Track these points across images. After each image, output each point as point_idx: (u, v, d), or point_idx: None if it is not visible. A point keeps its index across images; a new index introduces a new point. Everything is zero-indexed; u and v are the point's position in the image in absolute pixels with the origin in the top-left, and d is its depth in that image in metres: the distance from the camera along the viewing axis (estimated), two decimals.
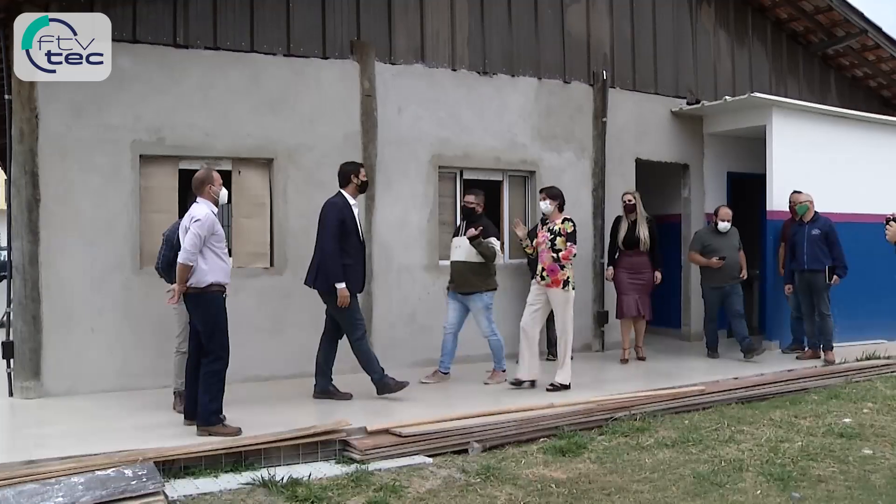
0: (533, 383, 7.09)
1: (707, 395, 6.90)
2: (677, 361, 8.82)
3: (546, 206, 7.13)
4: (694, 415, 6.52)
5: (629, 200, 8.78)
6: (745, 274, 8.97)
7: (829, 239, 8.59)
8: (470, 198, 7.45)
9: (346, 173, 6.77)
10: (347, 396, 6.68)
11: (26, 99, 6.63)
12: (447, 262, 7.68)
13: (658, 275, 8.69)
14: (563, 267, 6.91)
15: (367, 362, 6.67)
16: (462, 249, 7.27)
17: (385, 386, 6.62)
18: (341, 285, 6.46)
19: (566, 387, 6.91)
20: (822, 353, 8.71)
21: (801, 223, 8.71)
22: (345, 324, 6.67)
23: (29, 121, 6.65)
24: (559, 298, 6.95)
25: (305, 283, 6.72)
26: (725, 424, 6.15)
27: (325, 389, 6.73)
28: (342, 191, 6.72)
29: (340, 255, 6.48)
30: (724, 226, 8.77)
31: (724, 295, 8.76)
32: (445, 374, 7.42)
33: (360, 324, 6.72)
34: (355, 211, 6.69)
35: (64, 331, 6.79)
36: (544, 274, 6.95)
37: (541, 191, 7.40)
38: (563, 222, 7.00)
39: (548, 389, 6.88)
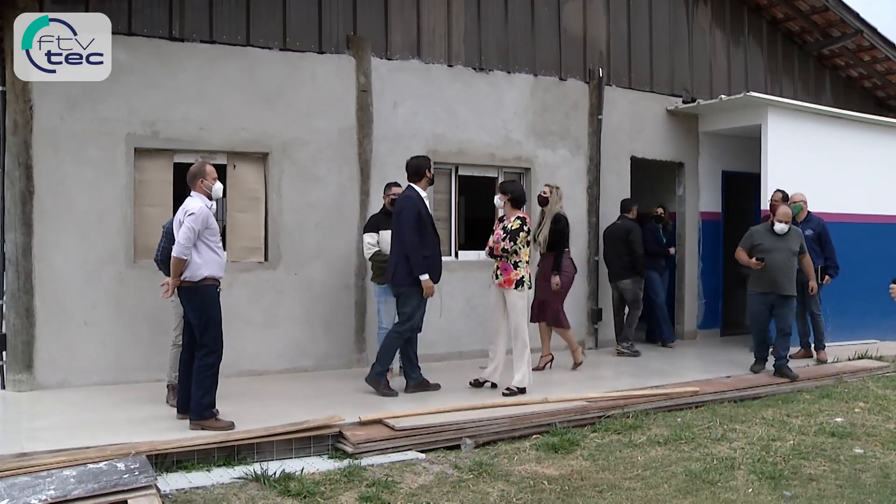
0: (494, 385, 6.94)
1: (700, 394, 6.91)
2: (671, 360, 8.83)
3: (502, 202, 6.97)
4: (686, 413, 6.53)
5: (543, 193, 8.03)
6: (813, 286, 8.14)
7: (821, 238, 8.60)
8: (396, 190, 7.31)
9: (420, 167, 6.74)
10: (436, 387, 6.83)
11: (20, 91, 6.60)
12: (446, 257, 7.60)
13: (555, 280, 7.69)
14: (516, 266, 6.77)
15: (385, 355, 6.70)
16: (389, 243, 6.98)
17: (377, 382, 6.62)
18: (425, 276, 6.48)
19: (522, 390, 6.62)
20: (814, 353, 8.75)
21: (794, 223, 8.71)
22: (405, 315, 6.64)
23: (23, 112, 6.63)
24: (512, 298, 6.78)
25: (387, 283, 6.80)
26: (718, 423, 6.16)
27: (419, 382, 6.78)
28: (413, 185, 6.72)
29: (421, 247, 6.49)
30: (780, 227, 7.65)
31: (772, 304, 7.68)
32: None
33: (415, 325, 6.68)
34: (427, 203, 6.70)
35: (57, 323, 6.77)
36: (498, 273, 6.86)
37: (500, 186, 7.17)
38: (514, 220, 6.85)
39: (504, 394, 6.60)
